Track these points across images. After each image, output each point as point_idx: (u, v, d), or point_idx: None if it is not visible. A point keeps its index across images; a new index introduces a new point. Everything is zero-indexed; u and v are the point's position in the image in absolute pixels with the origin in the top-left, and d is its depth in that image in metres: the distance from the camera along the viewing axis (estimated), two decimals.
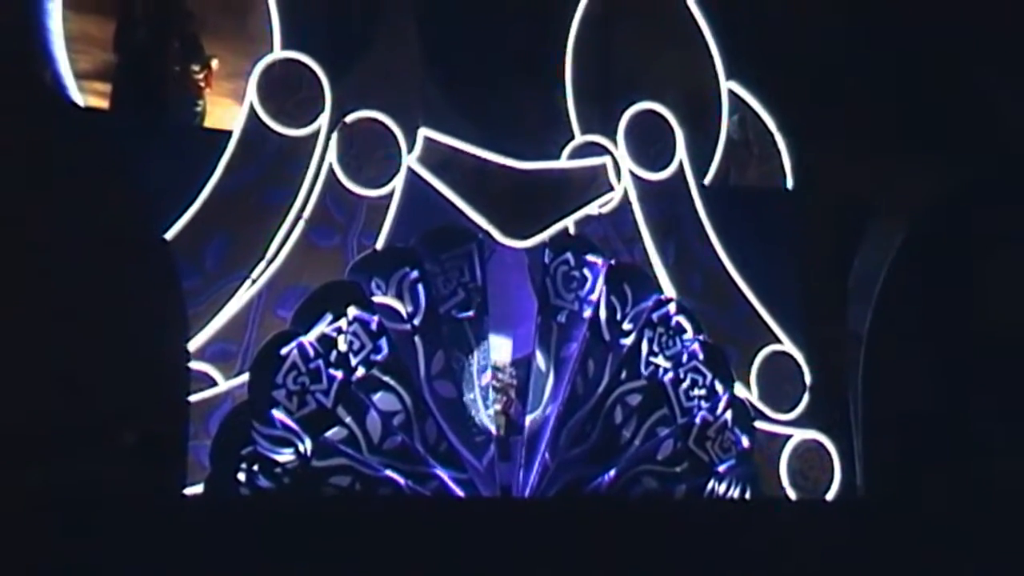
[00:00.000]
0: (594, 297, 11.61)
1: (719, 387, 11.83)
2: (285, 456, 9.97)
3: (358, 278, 10.64)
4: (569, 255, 11.68)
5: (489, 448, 10.99)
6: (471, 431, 10.94)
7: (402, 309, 10.67)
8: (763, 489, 12.09)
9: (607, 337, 11.59)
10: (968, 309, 12.72)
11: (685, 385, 11.71)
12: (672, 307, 11.83)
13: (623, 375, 11.59)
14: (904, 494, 11.97)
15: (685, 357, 11.76)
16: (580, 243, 11.90)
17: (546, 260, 11.60)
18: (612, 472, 11.33)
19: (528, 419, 11.36)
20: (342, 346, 10.33)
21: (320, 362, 10.27)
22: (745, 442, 11.81)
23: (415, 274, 10.75)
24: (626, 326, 11.65)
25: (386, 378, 10.56)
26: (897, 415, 12.47)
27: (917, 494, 11.82)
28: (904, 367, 12.58)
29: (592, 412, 11.43)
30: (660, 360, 11.67)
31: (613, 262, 11.84)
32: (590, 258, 11.72)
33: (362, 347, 10.46)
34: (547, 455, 11.23)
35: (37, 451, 8.28)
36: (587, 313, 11.57)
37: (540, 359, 11.47)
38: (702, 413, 11.71)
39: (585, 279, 11.64)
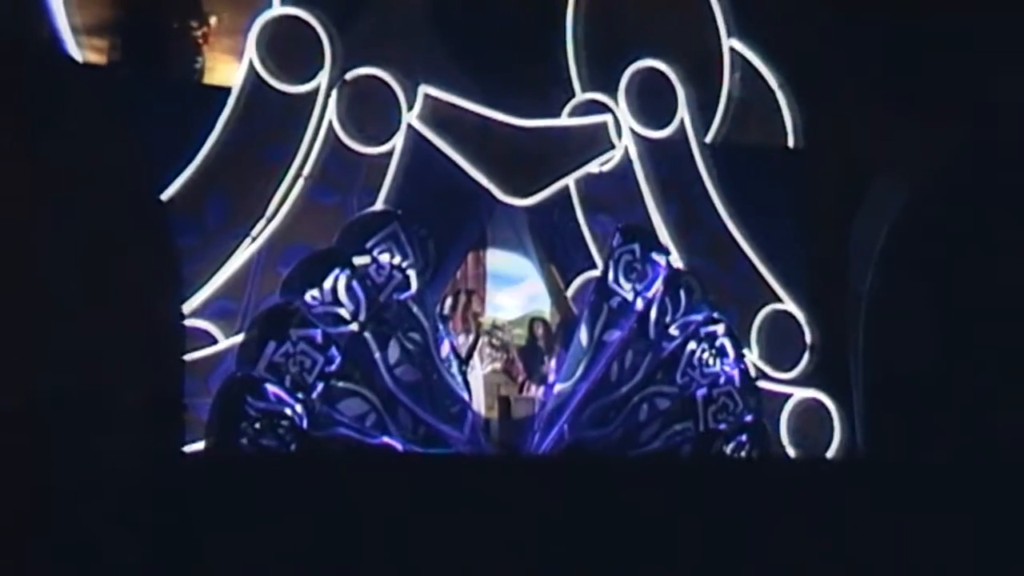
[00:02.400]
0: (650, 294, 11.65)
1: (748, 417, 11.84)
2: None
3: (291, 295, 10.43)
4: (636, 247, 11.74)
5: (467, 414, 11.01)
6: (444, 404, 10.95)
7: (343, 311, 10.53)
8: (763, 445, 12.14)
9: (652, 335, 11.65)
10: (970, 268, 12.68)
11: (714, 407, 11.75)
12: (721, 328, 11.87)
13: (658, 376, 11.65)
14: (903, 453, 11.98)
15: (722, 379, 11.80)
16: (649, 239, 11.97)
17: (614, 244, 11.67)
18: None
19: (557, 388, 11.41)
20: (293, 369, 10.22)
21: (279, 393, 10.16)
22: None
23: (347, 273, 10.57)
24: (673, 331, 11.70)
25: (346, 384, 10.49)
26: (897, 374, 12.46)
27: (916, 453, 11.83)
28: (905, 326, 12.56)
29: (619, 402, 11.49)
30: (697, 375, 11.70)
31: (676, 266, 11.87)
32: (655, 256, 11.79)
33: (314, 363, 10.32)
34: (566, 427, 11.27)
35: (35, 413, 8.25)
36: (639, 306, 11.59)
37: (584, 334, 11.51)
38: (724, 438, 11.75)
39: (646, 274, 11.68)
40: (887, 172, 13.28)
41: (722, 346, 11.79)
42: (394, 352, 10.74)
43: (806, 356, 12.78)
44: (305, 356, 10.28)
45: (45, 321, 8.41)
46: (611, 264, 11.60)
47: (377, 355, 10.65)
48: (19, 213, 8.35)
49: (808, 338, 12.81)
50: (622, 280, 11.59)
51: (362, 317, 10.58)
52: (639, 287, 11.61)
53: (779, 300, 12.89)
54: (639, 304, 11.58)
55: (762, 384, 12.35)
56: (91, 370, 8.38)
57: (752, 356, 12.47)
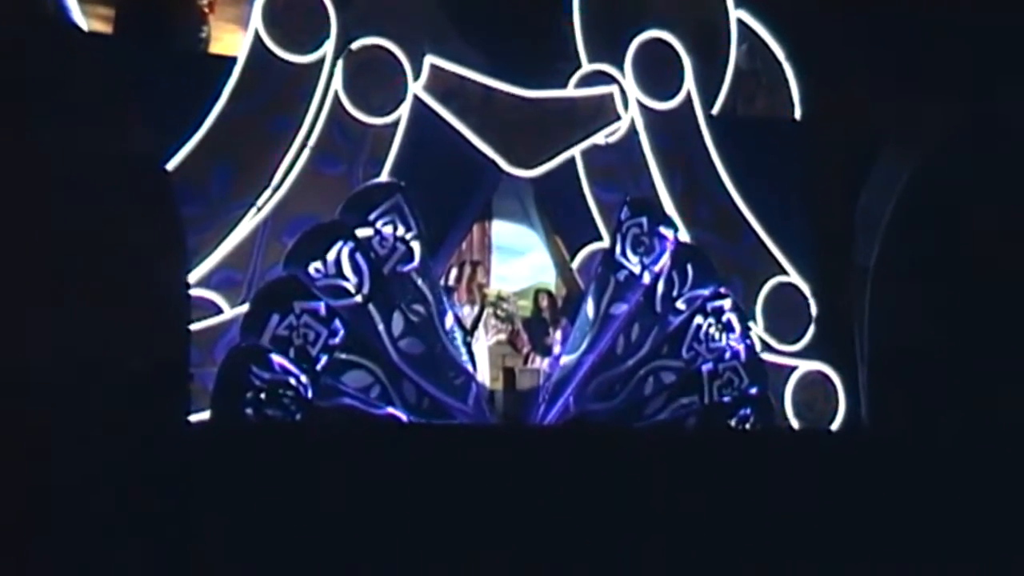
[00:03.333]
0: (657, 268, 11.64)
1: (753, 391, 11.85)
2: None
3: (294, 267, 10.40)
4: (644, 220, 11.69)
5: (471, 386, 11.01)
6: (448, 376, 10.93)
7: (347, 284, 10.52)
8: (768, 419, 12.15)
9: (659, 309, 11.62)
10: (976, 241, 12.65)
11: (720, 382, 11.75)
12: (728, 303, 11.84)
13: (664, 350, 11.61)
14: (908, 426, 11.99)
15: (728, 355, 11.78)
16: (657, 212, 11.94)
17: (622, 217, 11.62)
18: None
19: (562, 360, 11.42)
20: (297, 341, 10.22)
21: (284, 363, 10.17)
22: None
23: (350, 245, 10.54)
24: (680, 305, 11.67)
25: (350, 357, 10.48)
26: (902, 347, 12.45)
27: (921, 426, 11.84)
28: (910, 300, 12.53)
29: (625, 375, 11.47)
30: (703, 350, 11.69)
31: (682, 240, 11.84)
32: (662, 230, 11.74)
33: (317, 336, 10.33)
34: (571, 399, 11.27)
35: (41, 381, 8.26)
36: (646, 279, 11.60)
37: (590, 307, 11.50)
38: (729, 411, 11.76)
39: (653, 247, 11.65)
40: (893, 145, 13.24)
41: (728, 321, 11.78)
42: (398, 324, 10.73)
43: (811, 329, 12.77)
44: (309, 328, 10.28)
45: (50, 290, 8.41)
46: (618, 237, 11.58)
47: (381, 327, 10.64)
48: (24, 182, 8.34)
49: (813, 311, 12.81)
50: (629, 253, 11.57)
51: (365, 289, 10.56)
52: (646, 260, 11.59)
53: (784, 273, 12.89)
54: (646, 278, 11.57)
55: (767, 356, 12.35)
56: (96, 339, 8.39)
57: (757, 328, 12.46)
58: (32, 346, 8.26)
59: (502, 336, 12.25)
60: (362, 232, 10.62)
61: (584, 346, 11.41)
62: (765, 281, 12.79)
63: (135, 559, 7.55)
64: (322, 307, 10.37)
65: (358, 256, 10.55)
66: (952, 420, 11.69)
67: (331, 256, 10.45)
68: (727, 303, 11.83)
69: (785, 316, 12.77)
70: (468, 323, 11.86)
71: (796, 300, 12.85)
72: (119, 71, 9.94)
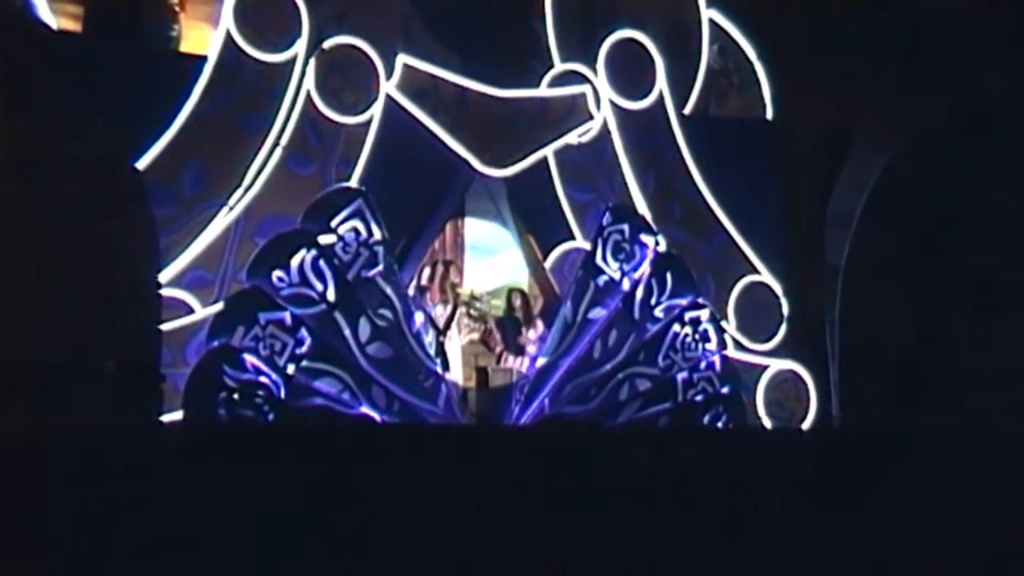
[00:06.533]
0: (637, 275, 11.68)
1: (725, 390, 11.91)
2: None
3: (258, 278, 10.36)
4: (625, 227, 11.77)
5: (441, 387, 11.01)
6: (417, 379, 10.94)
7: (311, 292, 10.48)
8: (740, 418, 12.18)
9: (636, 316, 11.68)
10: (945, 239, 12.73)
11: (694, 391, 11.81)
12: (705, 313, 11.93)
13: (640, 357, 11.68)
14: (879, 423, 12.04)
15: (703, 365, 11.84)
16: (638, 220, 11.99)
17: (604, 223, 11.68)
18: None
19: (540, 361, 11.45)
20: (264, 352, 10.20)
21: (256, 364, 10.17)
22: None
23: (313, 252, 10.52)
24: (658, 313, 11.74)
25: (318, 365, 10.48)
26: (873, 345, 12.52)
27: (892, 424, 11.90)
28: (881, 298, 12.61)
29: (601, 380, 11.54)
30: (679, 359, 11.73)
31: (663, 249, 11.86)
32: (643, 237, 11.81)
33: (284, 346, 10.32)
34: (546, 401, 11.30)
35: (13, 383, 8.21)
36: (625, 286, 11.64)
37: (568, 310, 11.54)
38: (701, 410, 11.82)
39: (633, 255, 11.71)
40: (863, 144, 13.31)
41: (705, 331, 11.87)
42: (365, 330, 10.73)
43: (783, 327, 12.82)
44: (275, 339, 10.29)
45: (21, 290, 8.36)
46: (599, 243, 11.62)
47: (348, 333, 10.63)
48: None
49: (785, 310, 12.85)
50: (610, 259, 11.63)
51: (331, 296, 10.55)
52: (626, 267, 11.66)
53: (756, 272, 12.92)
54: (625, 284, 11.63)
55: (739, 356, 12.38)
56: (67, 339, 8.35)
57: (729, 328, 12.49)
58: (2, 346, 8.21)
59: (475, 335, 12.23)
60: (325, 239, 10.60)
61: (561, 349, 11.44)
62: (737, 280, 12.83)
63: (108, 559, 7.51)
64: (287, 317, 10.35)
65: (321, 263, 10.54)
66: (923, 417, 11.76)
67: (294, 264, 10.43)
68: (704, 313, 11.90)
69: (757, 315, 12.81)
70: (441, 322, 11.85)
71: (768, 299, 12.88)
72: (89, 69, 9.90)
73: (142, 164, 10.48)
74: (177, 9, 11.70)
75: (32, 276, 8.65)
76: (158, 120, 10.69)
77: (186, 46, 11.69)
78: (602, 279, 11.62)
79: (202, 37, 11.56)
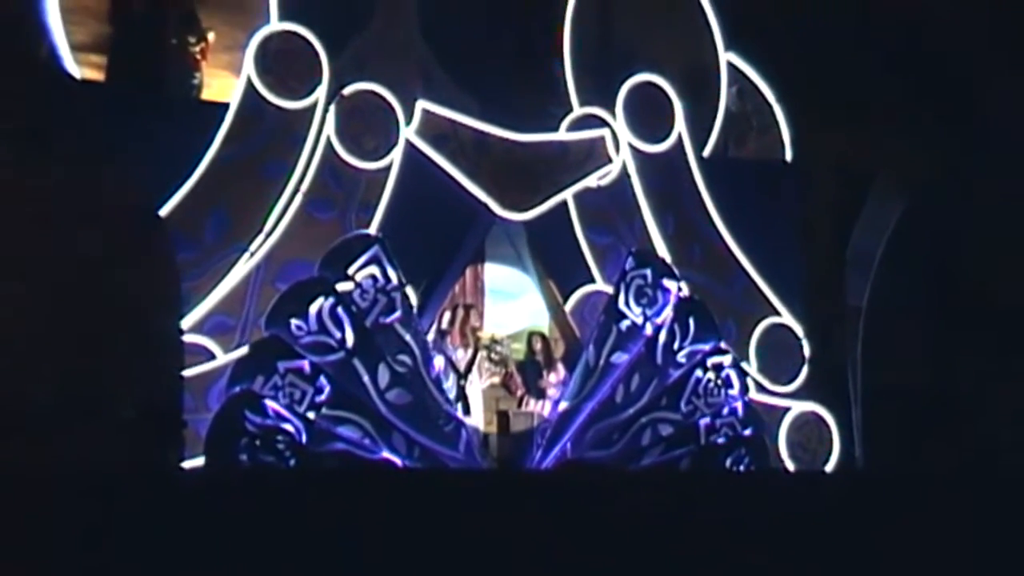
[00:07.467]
0: (659, 320, 11.70)
1: (747, 432, 11.88)
2: None
3: (276, 328, 10.39)
4: (648, 272, 11.79)
5: (461, 432, 11.00)
6: (438, 424, 10.94)
7: (330, 339, 10.49)
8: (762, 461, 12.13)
9: (659, 361, 11.68)
10: (967, 280, 12.70)
11: (716, 436, 11.78)
12: (728, 359, 11.92)
13: (663, 402, 11.68)
14: (902, 466, 11.98)
15: (725, 411, 11.82)
16: (661, 265, 12.00)
17: (626, 268, 11.71)
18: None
19: (561, 406, 11.46)
20: (283, 401, 10.20)
21: (278, 409, 10.18)
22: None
23: (331, 300, 10.54)
24: (680, 358, 11.74)
25: (338, 412, 10.48)
26: (895, 387, 12.47)
27: (916, 465, 11.83)
28: (902, 339, 12.57)
29: (623, 424, 11.53)
30: (702, 404, 11.73)
31: (685, 294, 11.88)
32: (666, 282, 11.82)
33: (303, 395, 10.32)
34: (568, 446, 11.29)
35: (36, 426, 8.24)
36: (648, 331, 11.65)
37: (590, 355, 11.55)
38: (724, 452, 11.78)
39: (656, 299, 11.72)
40: (883, 185, 13.31)
41: (728, 377, 11.85)
42: (384, 376, 10.73)
43: (804, 369, 12.77)
44: (294, 388, 10.30)
45: (45, 335, 8.41)
46: (622, 287, 11.63)
47: (367, 380, 10.63)
48: (19, 228, 8.36)
49: (806, 351, 12.81)
50: (632, 304, 11.64)
51: (349, 344, 10.56)
52: (649, 312, 11.66)
53: (777, 314, 12.90)
54: (648, 329, 11.62)
55: (760, 398, 12.34)
56: (90, 385, 8.38)
57: (751, 370, 12.45)
58: (27, 391, 8.25)
59: (496, 379, 12.23)
60: (342, 286, 10.63)
61: (583, 393, 11.44)
62: (758, 322, 12.80)
63: None
64: (306, 365, 10.36)
65: (340, 310, 10.55)
66: (946, 459, 11.69)
67: (312, 312, 10.45)
68: (727, 359, 11.89)
69: (778, 357, 12.77)
70: (462, 367, 11.85)
71: (789, 341, 12.85)
72: (112, 118, 9.99)
73: (165, 211, 10.55)
74: (199, 57, 11.81)
75: (56, 321, 8.70)
76: (181, 167, 10.77)
77: (208, 94, 11.80)
78: (624, 324, 11.62)
79: (224, 85, 11.67)
